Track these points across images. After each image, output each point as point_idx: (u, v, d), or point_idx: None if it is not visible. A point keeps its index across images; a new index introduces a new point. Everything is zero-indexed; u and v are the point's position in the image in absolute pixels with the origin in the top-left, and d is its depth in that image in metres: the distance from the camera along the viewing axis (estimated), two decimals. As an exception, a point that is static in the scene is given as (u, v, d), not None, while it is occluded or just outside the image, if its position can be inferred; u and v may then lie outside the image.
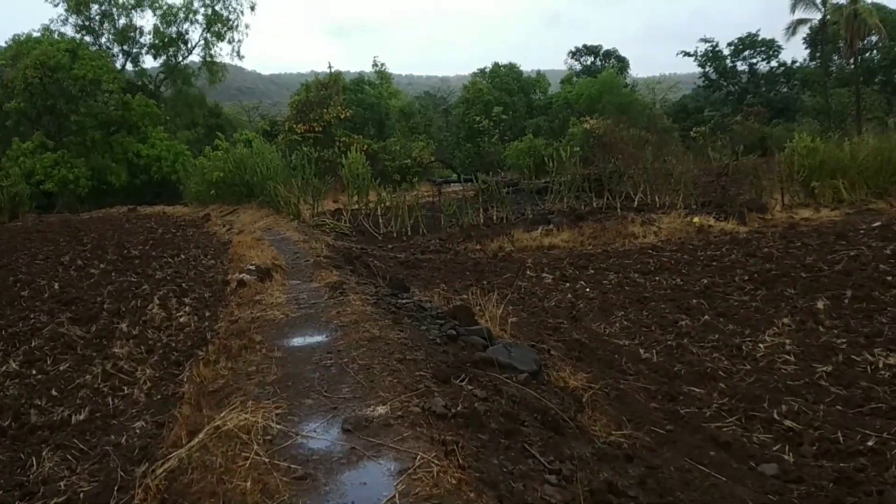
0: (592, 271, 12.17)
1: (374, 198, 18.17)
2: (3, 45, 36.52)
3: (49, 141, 33.06)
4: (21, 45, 34.73)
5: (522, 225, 16.24)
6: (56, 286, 11.04)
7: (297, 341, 6.09)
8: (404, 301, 7.60)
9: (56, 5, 39.63)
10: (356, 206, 17.48)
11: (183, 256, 13.70)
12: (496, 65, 66.44)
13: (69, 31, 39.64)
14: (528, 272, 12.45)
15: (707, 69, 66.74)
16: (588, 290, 10.88)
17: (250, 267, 10.78)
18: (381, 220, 16.82)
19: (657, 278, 11.26)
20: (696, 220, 15.33)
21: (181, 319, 8.03)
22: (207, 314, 8.32)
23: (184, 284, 10.48)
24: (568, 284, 11.30)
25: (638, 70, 67.65)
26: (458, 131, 59.17)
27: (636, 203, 17.30)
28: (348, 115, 42.90)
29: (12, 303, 10.00)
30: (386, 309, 7.17)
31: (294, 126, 40.65)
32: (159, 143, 36.46)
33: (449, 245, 15.62)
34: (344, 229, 16.18)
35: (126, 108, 35.53)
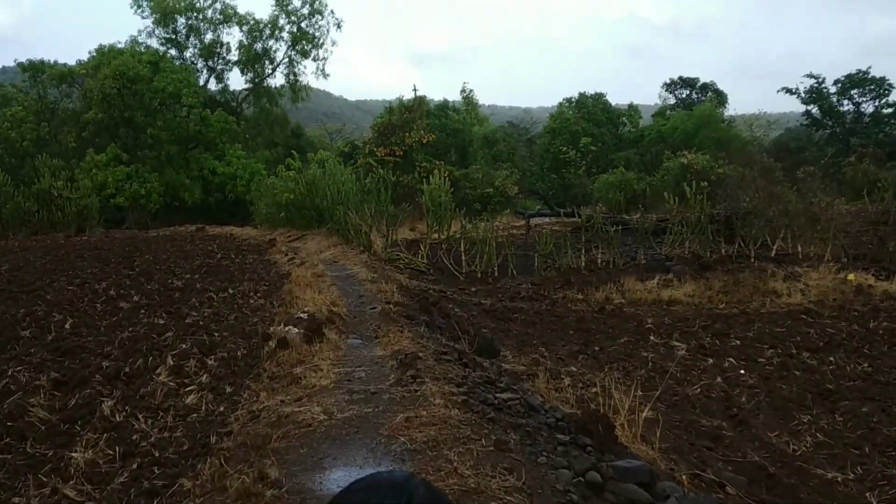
0: (738, 342, 9.39)
1: (456, 227, 15.82)
2: (88, 55, 36.11)
3: (124, 154, 32.13)
4: (104, 56, 34.14)
5: (634, 271, 13.55)
6: (67, 325, 8.98)
7: (337, 477, 3.67)
8: (506, 398, 5.09)
9: (144, 17, 39.32)
10: (435, 238, 15.12)
11: (231, 291, 11.57)
12: (583, 95, 63.85)
13: (154, 43, 39.17)
14: (651, 337, 9.76)
15: (810, 107, 62.35)
16: (742, 371, 8.14)
17: (301, 315, 8.49)
18: (463, 257, 14.42)
19: (832, 358, 8.47)
20: (851, 277, 12.37)
21: (189, 399, 5.74)
22: (228, 389, 6.00)
23: (216, 334, 8.24)
24: (711, 361, 8.60)
25: (730, 106, 63.53)
26: (543, 161, 56.73)
27: (774, 252, 14.40)
28: (431, 139, 40.95)
29: (4, 347, 7.94)
30: (480, 413, 4.67)
31: (374, 149, 38.98)
32: (236, 160, 35.20)
33: (544, 292, 13.06)
34: (420, 266, 13.84)
35: (204, 123, 34.42)
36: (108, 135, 33.06)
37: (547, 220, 22.32)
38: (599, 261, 14.43)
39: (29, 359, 7.36)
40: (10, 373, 6.79)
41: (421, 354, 6.04)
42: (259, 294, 11.21)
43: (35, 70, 34.79)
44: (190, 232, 28.11)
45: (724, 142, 53.98)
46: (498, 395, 5.17)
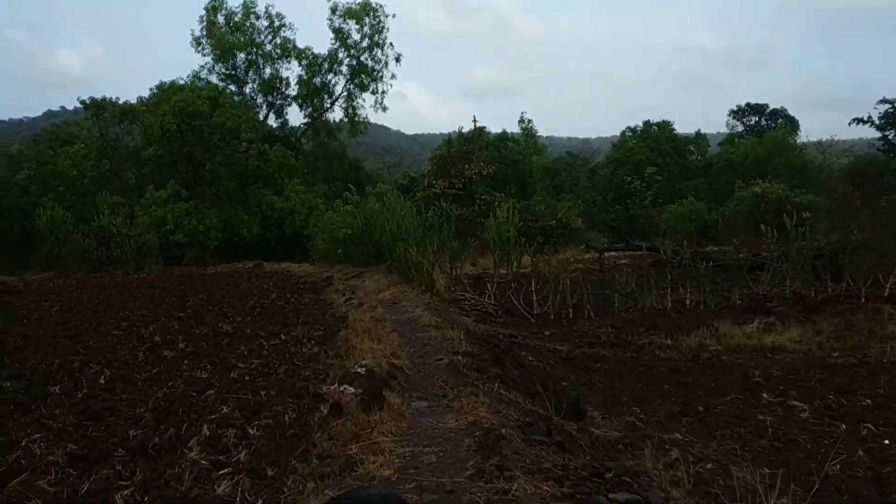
0: (868, 401, 7.93)
1: (523, 264, 14.57)
2: (149, 92, 36.40)
3: (183, 190, 31.94)
4: (164, 92, 34.27)
5: (728, 314, 12.14)
6: (102, 379, 8.09)
7: None
8: (624, 502, 3.86)
9: (204, 55, 39.57)
10: (503, 275, 13.93)
11: (283, 338, 10.59)
12: (647, 123, 62.28)
13: (214, 79, 39.31)
14: (763, 394, 8.36)
15: (888, 132, 59.23)
16: (887, 441, 6.70)
17: (358, 370, 7.41)
18: (534, 297, 13.21)
19: None
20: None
21: (222, 488, 4.65)
22: (270, 472, 4.91)
23: (262, 392, 7.22)
24: (844, 427, 7.16)
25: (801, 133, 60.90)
26: (606, 192, 55.27)
27: (888, 290, 12.76)
28: (491, 171, 39.92)
29: (28, 407, 7.05)
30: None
31: (433, 182, 38.19)
32: (294, 195, 34.74)
33: (627, 336, 11.75)
34: (488, 307, 12.68)
35: (263, 158, 34.12)
36: (167, 171, 32.97)
37: (620, 254, 20.87)
38: (688, 301, 12.99)
39: (51, 423, 6.44)
40: (24, 443, 5.86)
41: (504, 432, 4.85)
42: (313, 341, 10.19)
43: (97, 108, 35.10)
44: (247, 269, 27.55)
45: (797, 169, 51.73)
46: (612, 495, 3.95)
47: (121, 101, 35.66)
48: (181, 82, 36.54)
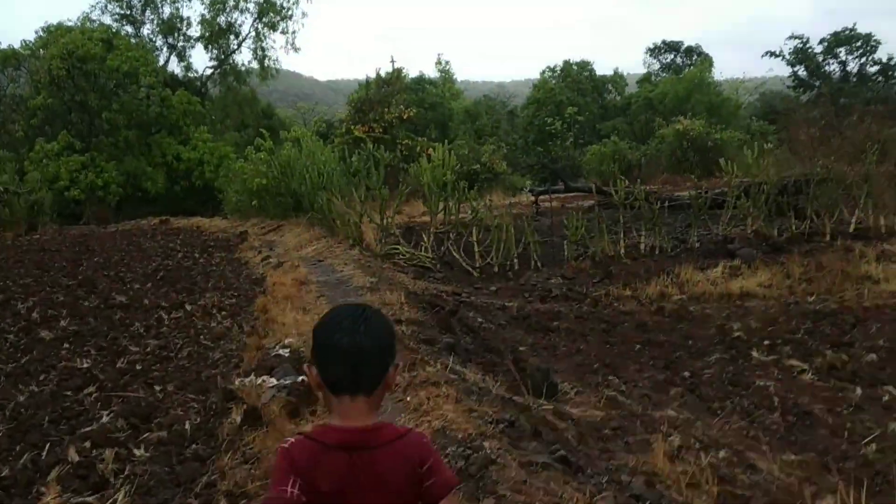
0: (873, 356, 6.95)
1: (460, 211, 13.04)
2: (35, 35, 32.76)
3: (77, 142, 28.98)
4: (51, 35, 30.80)
5: (688, 259, 11.08)
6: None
7: None
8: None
9: (94, -9, 35.75)
10: (439, 223, 12.45)
11: (188, 308, 8.96)
12: (567, 63, 61.24)
13: (108, 20, 35.69)
14: (752, 352, 7.30)
15: (796, 68, 59.87)
16: (916, 409, 5.70)
17: (281, 351, 5.97)
18: (476, 248, 11.82)
19: None
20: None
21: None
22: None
23: (157, 388, 5.67)
24: (859, 391, 6.12)
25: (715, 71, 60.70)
26: (527, 134, 54.08)
27: (853, 226, 11.93)
28: (411, 114, 38.15)
29: None
30: None
31: (352, 127, 36.19)
32: (202, 145, 32.14)
33: (580, 288, 10.56)
34: (425, 261, 11.25)
35: (165, 105, 31.29)
36: (59, 122, 29.80)
37: (555, 197, 19.63)
38: (643, 246, 11.86)
39: None
40: None
41: (488, 448, 3.51)
42: (224, 312, 8.61)
43: (-26, 52, 31.39)
44: (152, 226, 25.32)
45: (716, 106, 51.73)
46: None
47: (3, 46, 31.95)
48: (69, 24, 32.97)
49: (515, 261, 11.73)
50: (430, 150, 36.19)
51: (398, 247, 11.61)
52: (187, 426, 4.78)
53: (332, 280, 9.37)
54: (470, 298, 10.12)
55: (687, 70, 59.10)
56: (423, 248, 11.80)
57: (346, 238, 12.33)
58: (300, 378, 5.16)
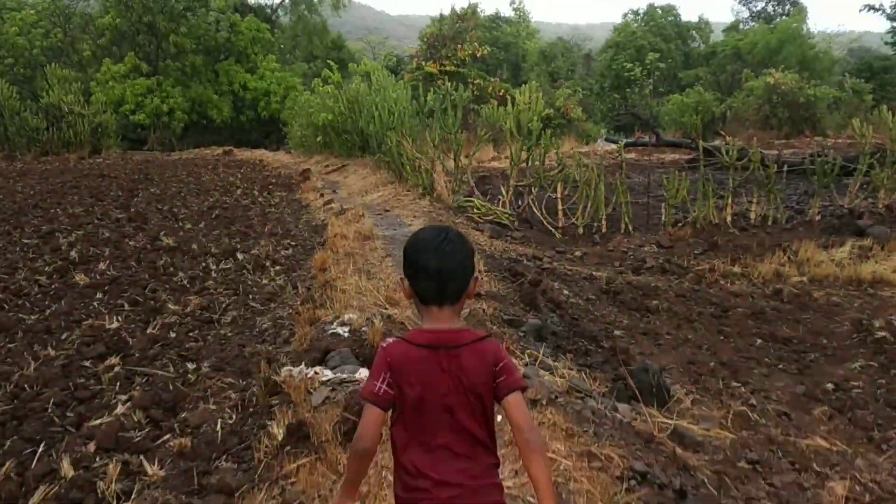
0: None
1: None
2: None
3: (144, 64, 28.31)
4: (124, -47, 29.93)
5: (805, 233, 9.62)
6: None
7: None
8: None
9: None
10: (517, 177, 11.12)
11: (240, 258, 8.00)
12: (651, 6, 57.99)
13: (179, -61, 34.55)
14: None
15: None
16: None
17: (339, 330, 4.97)
18: (560, 205, 10.53)
19: None
20: None
21: None
22: None
23: (192, 365, 4.71)
24: None
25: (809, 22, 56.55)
26: (603, 80, 51.60)
27: None
28: (485, 52, 36.39)
29: None
30: None
31: (423, 63, 34.72)
32: (269, 74, 31.21)
33: (681, 260, 9.22)
34: (502, 218, 10.05)
35: (234, 30, 30.31)
36: (126, 43, 29.17)
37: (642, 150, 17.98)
38: (753, 215, 10.37)
39: None
40: None
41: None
42: (278, 266, 7.61)
43: (46, -33, 30.72)
44: (215, 156, 24.67)
45: (809, 60, 48.34)
46: None
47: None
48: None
49: (603, 222, 10.43)
50: (503, 91, 34.67)
51: (473, 199, 10.42)
52: (218, 428, 3.79)
53: (400, 235, 8.27)
54: (553, 264, 8.92)
55: (779, 20, 55.55)
56: (499, 203, 10.58)
57: (416, 186, 11.19)
58: (359, 373, 4.12)
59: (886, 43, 61.75)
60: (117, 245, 8.76)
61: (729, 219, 10.25)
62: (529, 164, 10.75)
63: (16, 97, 24.72)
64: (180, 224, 10.43)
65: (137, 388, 4.37)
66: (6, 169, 20.17)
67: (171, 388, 4.37)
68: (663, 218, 10.29)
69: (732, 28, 58.66)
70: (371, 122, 13.64)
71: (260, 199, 13.02)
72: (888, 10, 56.32)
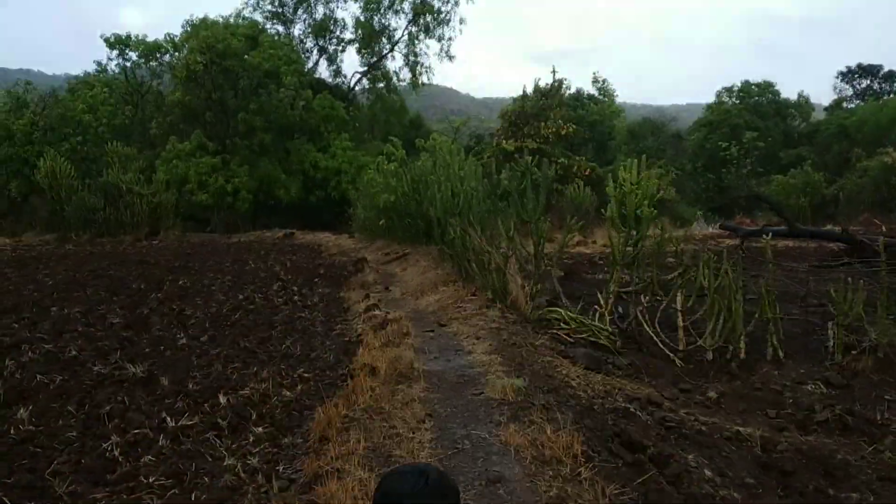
0: None
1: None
2: (180, 30, 31.39)
3: (210, 143, 27.09)
4: (195, 30, 29.27)
5: None
6: None
7: None
8: None
9: (246, -10, 34.09)
10: (620, 279, 8.29)
11: (221, 402, 5.50)
12: (747, 83, 55.06)
13: (258, 17, 33.96)
14: None
15: None
16: None
17: None
18: (680, 321, 7.66)
19: None
20: None
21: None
22: None
23: None
24: None
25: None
26: (696, 159, 48.53)
27: None
28: (570, 130, 34.11)
29: None
30: None
31: (503, 142, 32.70)
32: (341, 153, 29.61)
33: (866, 406, 6.23)
34: (601, 337, 7.31)
35: (306, 108, 28.95)
36: (195, 121, 28.14)
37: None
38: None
39: None
40: None
41: None
42: (266, 422, 5.06)
43: (121, 45, 30.24)
44: (275, 239, 22.82)
45: (925, 138, 44.24)
46: None
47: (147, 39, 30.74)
48: (215, 20, 31.38)
49: (741, 345, 7.52)
50: (590, 170, 32.06)
51: (559, 310, 7.70)
52: None
53: (452, 372, 5.65)
54: (678, 414, 6.08)
55: (886, 98, 51.83)
56: (595, 314, 7.81)
57: (484, 288, 8.60)
58: None
59: None
60: (74, 372, 6.44)
61: (921, 343, 7.15)
62: (636, 263, 7.98)
63: (74, 176, 23.71)
64: (182, 334, 8.11)
65: None
66: (47, 252, 18.71)
67: None
68: (831, 343, 7.28)
69: (837, 106, 55.11)
70: (434, 204, 11.22)
71: (296, 298, 10.66)
72: None
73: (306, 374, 6.26)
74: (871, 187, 33.98)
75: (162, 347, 7.52)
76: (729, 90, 55.14)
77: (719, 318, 7.49)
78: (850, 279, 7.50)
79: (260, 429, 4.85)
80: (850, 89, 58.40)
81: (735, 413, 6.47)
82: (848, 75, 58.47)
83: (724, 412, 6.45)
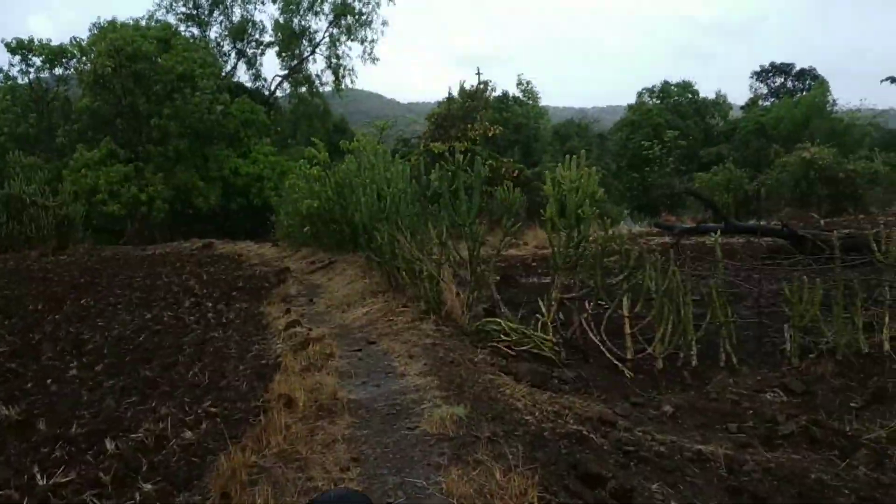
0: None
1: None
2: (88, 33, 29.66)
3: (121, 150, 25.53)
4: (103, 32, 27.64)
5: None
6: None
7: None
8: None
9: (157, -11, 32.48)
10: (562, 283, 7.68)
11: (107, 449, 4.62)
12: (667, 83, 56.19)
13: (172, 20, 32.45)
14: None
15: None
16: None
17: None
18: (627, 324, 7.09)
19: None
20: None
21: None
22: None
23: None
24: None
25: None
26: (619, 159, 49.07)
27: None
28: (498, 132, 33.86)
29: None
30: None
31: (431, 144, 32.11)
32: (263, 158, 28.43)
33: (830, 415, 5.78)
34: (545, 349, 6.68)
35: (223, 112, 27.66)
36: (104, 128, 26.54)
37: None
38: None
39: None
40: None
41: None
42: (159, 475, 4.21)
43: (23, 50, 28.33)
44: (193, 250, 21.56)
45: (838, 134, 45.76)
46: None
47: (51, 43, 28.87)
48: (124, 22, 29.73)
49: (693, 352, 7.02)
50: (518, 171, 31.73)
51: (498, 320, 7.05)
52: None
53: (382, 401, 4.91)
54: (635, 434, 5.48)
55: (799, 95, 53.67)
56: (538, 323, 7.19)
57: (416, 298, 7.90)
58: None
59: (910, 116, 59.17)
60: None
61: (887, 345, 6.76)
62: (578, 266, 7.40)
63: (-28, 188, 21.95)
64: (72, 365, 7.12)
65: None
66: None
67: None
68: (788, 346, 6.83)
69: (753, 104, 56.69)
70: (359, 209, 10.45)
71: (210, 315, 9.72)
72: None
73: (213, 409, 5.41)
74: (791, 182, 34.73)
75: (49, 381, 6.54)
76: (650, 90, 56.17)
77: (668, 324, 6.96)
78: (804, 277, 7.07)
79: (149, 485, 4.00)
80: (765, 88, 60.18)
81: (693, 428, 5.93)
82: (762, 74, 60.26)
83: (681, 428, 5.90)
